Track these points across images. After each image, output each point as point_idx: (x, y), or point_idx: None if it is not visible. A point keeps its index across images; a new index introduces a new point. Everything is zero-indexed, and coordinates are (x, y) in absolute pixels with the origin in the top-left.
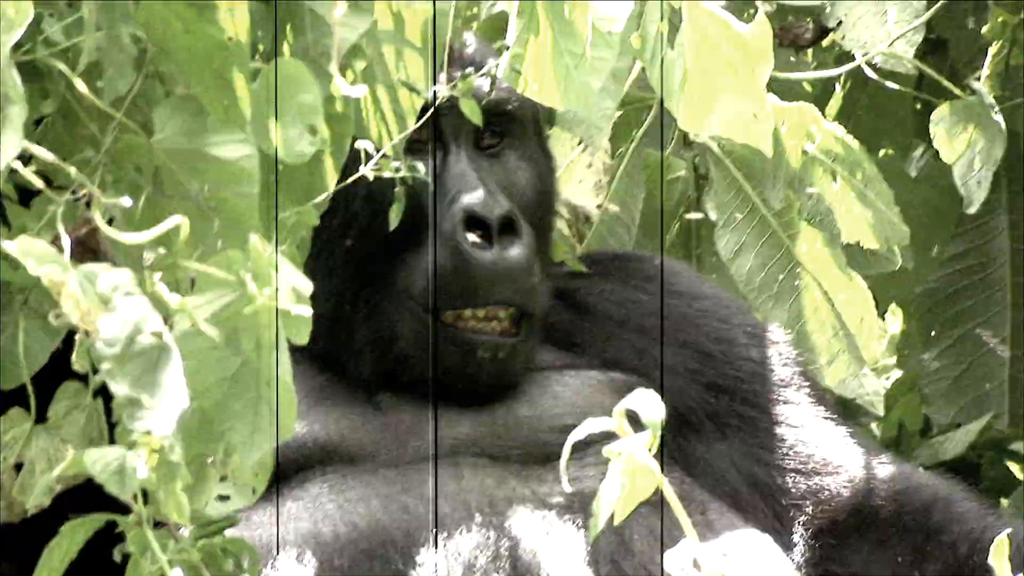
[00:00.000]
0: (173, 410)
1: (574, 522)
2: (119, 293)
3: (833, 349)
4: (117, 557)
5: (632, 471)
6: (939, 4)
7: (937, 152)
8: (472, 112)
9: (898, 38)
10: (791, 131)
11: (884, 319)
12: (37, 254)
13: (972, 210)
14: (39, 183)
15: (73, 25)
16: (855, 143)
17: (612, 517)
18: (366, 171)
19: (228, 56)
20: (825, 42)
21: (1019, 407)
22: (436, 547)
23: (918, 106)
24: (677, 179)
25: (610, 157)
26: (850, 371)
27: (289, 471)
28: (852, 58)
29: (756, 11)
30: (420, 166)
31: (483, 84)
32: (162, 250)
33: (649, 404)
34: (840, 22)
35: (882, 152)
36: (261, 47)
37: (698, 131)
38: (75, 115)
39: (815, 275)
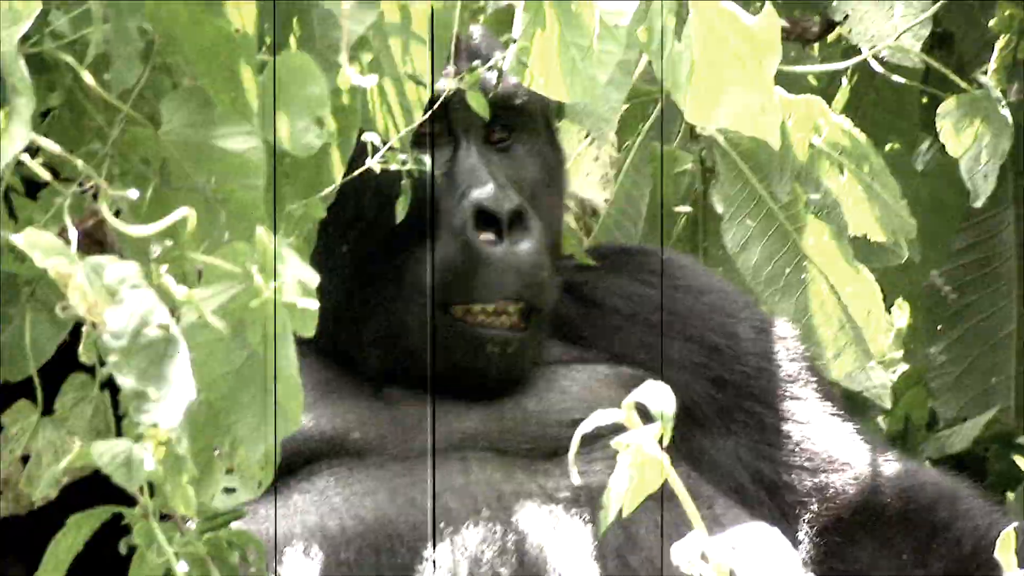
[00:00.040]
0: (180, 402)
1: (581, 516)
2: (126, 285)
3: (840, 342)
4: (123, 550)
5: (640, 463)
6: None
7: (943, 146)
8: (479, 105)
9: (905, 32)
10: (798, 124)
11: (891, 312)
12: (44, 246)
13: (979, 204)
14: (46, 175)
15: (80, 17)
16: (862, 136)
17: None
18: (372, 164)
19: (235, 48)
20: (832, 36)
21: None
22: (435, 544)
23: (925, 100)
24: (684, 172)
25: (617, 150)
26: (857, 364)
27: (296, 464)
28: (859, 52)
29: (763, 3)
30: (427, 159)
31: (491, 77)
32: (169, 242)
33: (659, 396)
34: (847, 16)
35: (888, 146)
36: (268, 40)
37: (705, 124)
38: (82, 107)
39: (822, 268)
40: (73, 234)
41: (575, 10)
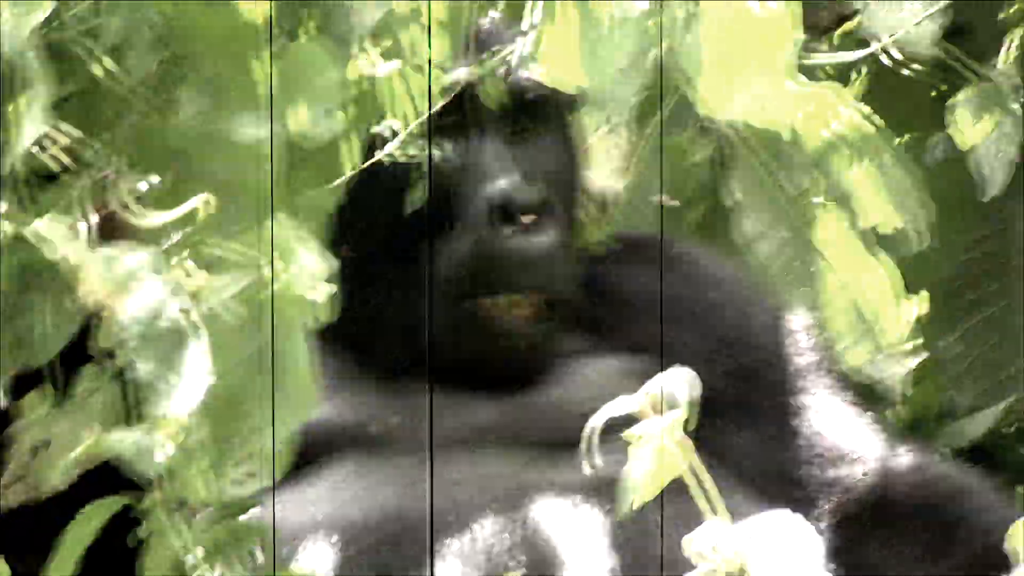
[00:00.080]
0: (195, 390)
1: (598, 508)
2: (141, 273)
3: (854, 333)
4: (139, 537)
5: (660, 451)
6: None
7: (959, 136)
8: (496, 93)
9: (919, 23)
10: (812, 113)
11: (908, 301)
12: (59, 235)
13: (994, 194)
14: (62, 162)
15: (96, 6)
16: (878, 124)
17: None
18: (387, 153)
19: (250, 36)
20: (848, 26)
21: None
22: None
23: (942, 88)
24: (696, 164)
25: (632, 141)
26: (871, 355)
27: (312, 455)
28: (875, 41)
29: None
30: (446, 146)
31: (507, 65)
32: (184, 230)
33: (680, 383)
34: (861, 6)
35: (901, 139)
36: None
37: (720, 115)
38: (98, 96)
39: (836, 258)
40: (91, 221)
41: None
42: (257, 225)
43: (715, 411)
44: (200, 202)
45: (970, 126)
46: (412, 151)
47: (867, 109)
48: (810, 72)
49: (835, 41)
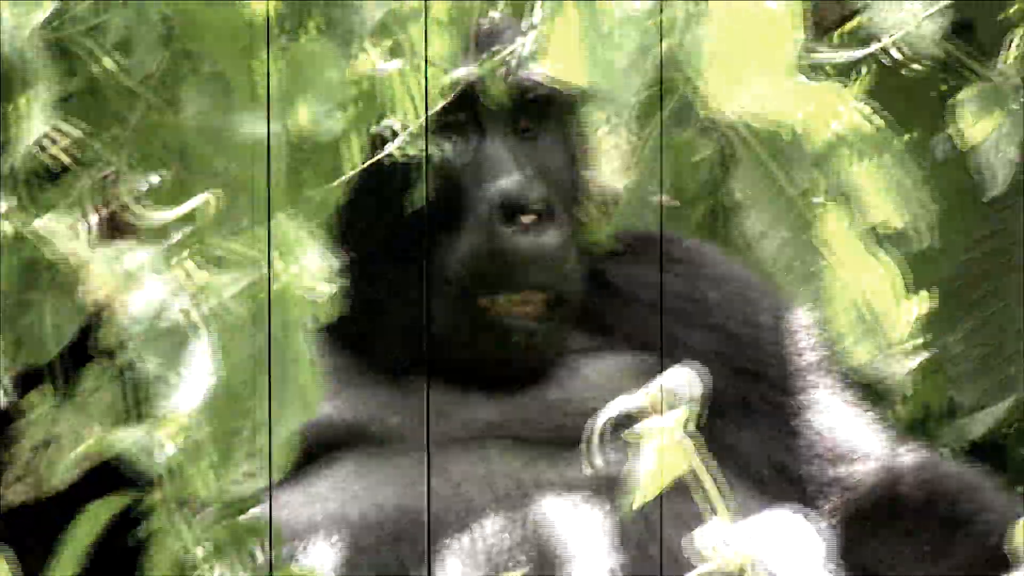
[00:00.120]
0: (199, 387)
1: (601, 506)
2: (146, 271)
3: (858, 330)
4: (141, 536)
5: (664, 449)
6: None
7: (961, 135)
8: (499, 91)
9: (923, 20)
10: (817, 110)
11: (910, 300)
12: (61, 234)
13: (996, 193)
14: (64, 161)
15: (100, 3)
16: (881, 122)
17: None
18: (390, 150)
19: (253, 34)
20: (850, 25)
21: None
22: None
23: (944, 88)
24: (701, 161)
25: (636, 138)
26: (875, 352)
27: (317, 452)
28: (876, 40)
29: None
30: (447, 145)
31: (511, 63)
32: (189, 228)
33: (685, 381)
34: (865, 4)
35: (906, 136)
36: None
37: (727, 109)
38: (102, 93)
39: (841, 256)
40: (93, 220)
41: None
42: (259, 224)
43: (718, 410)
44: (201, 202)
45: (972, 126)
46: (412, 151)
47: (868, 109)
48: (812, 71)
49: (837, 40)
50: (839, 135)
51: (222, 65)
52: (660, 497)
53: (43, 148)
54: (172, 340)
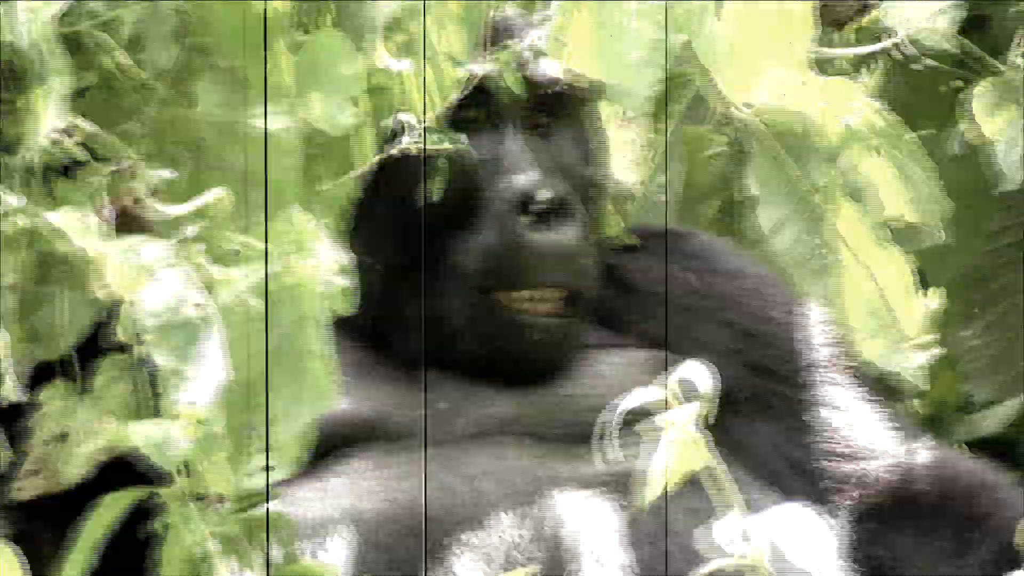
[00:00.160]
0: (214, 381)
1: (615, 502)
2: (161, 265)
3: (873, 325)
4: (155, 529)
5: (680, 443)
6: None
7: (975, 130)
8: (515, 84)
9: (937, 15)
10: (832, 105)
11: (925, 295)
12: (80, 226)
13: (1012, 187)
14: (79, 156)
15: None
16: (895, 118)
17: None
18: (401, 147)
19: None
20: (866, 20)
21: None
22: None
23: (958, 82)
24: (717, 155)
25: (652, 132)
26: (890, 347)
27: (332, 446)
28: (892, 35)
29: None
30: (463, 139)
31: (526, 57)
32: (204, 222)
33: (700, 375)
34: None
35: (919, 132)
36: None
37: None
38: (117, 87)
39: (855, 250)
40: (109, 214)
41: None
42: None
43: (731, 405)
44: (215, 196)
45: (986, 120)
46: (432, 141)
47: (880, 104)
48: (826, 66)
49: (851, 35)
50: (852, 130)
51: (236, 60)
52: (666, 492)
53: (58, 143)
54: (186, 334)
